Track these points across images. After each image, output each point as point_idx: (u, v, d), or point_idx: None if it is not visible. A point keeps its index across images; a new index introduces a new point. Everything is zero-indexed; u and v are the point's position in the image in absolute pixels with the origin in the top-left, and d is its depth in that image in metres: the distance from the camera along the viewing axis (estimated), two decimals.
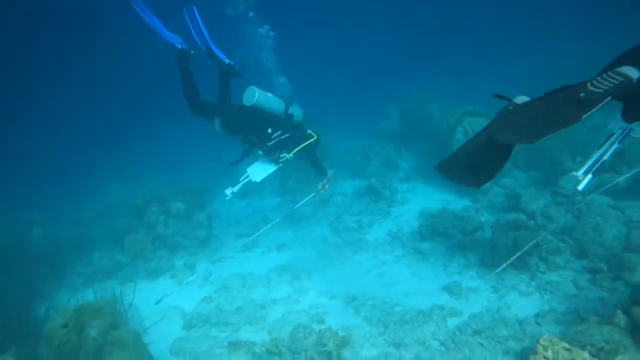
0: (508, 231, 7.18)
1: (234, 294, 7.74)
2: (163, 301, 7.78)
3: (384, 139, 14.67)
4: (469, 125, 11.22)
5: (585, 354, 3.36)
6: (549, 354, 3.32)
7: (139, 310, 7.63)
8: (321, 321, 6.55)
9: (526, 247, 6.36)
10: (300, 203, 7.75)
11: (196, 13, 6.01)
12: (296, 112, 6.67)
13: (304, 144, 6.63)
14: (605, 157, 3.25)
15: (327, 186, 7.32)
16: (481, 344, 5.49)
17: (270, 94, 6.35)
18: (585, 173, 3.24)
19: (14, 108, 28.69)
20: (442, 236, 8.41)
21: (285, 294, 7.56)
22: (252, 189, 13.91)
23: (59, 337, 4.88)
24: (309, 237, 9.85)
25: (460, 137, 11.12)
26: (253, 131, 6.52)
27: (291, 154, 6.58)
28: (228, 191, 6.56)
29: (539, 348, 3.40)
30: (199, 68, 6.37)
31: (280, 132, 6.50)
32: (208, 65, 6.45)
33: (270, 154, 6.61)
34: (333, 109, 18.91)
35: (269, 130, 6.45)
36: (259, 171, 6.66)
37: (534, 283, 6.70)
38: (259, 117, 6.37)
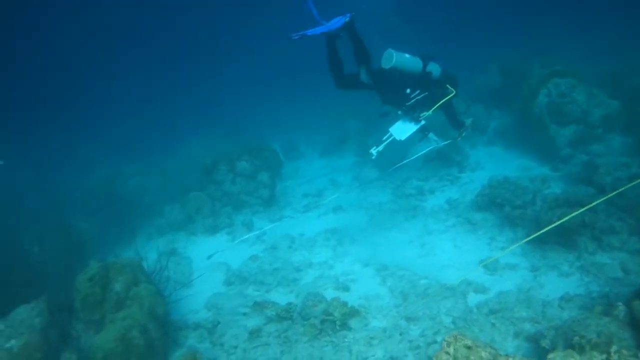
0: (556, 208, 6.62)
1: (279, 254, 8.01)
2: (214, 256, 8.24)
3: (480, 96, 13.68)
4: (555, 88, 10.22)
5: (483, 353, 3.11)
6: (451, 350, 3.12)
7: (192, 263, 8.22)
8: (346, 289, 6.64)
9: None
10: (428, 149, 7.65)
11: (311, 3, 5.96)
12: (434, 69, 6.60)
13: (441, 101, 6.56)
14: None
15: (464, 134, 7.29)
16: (493, 324, 5.26)
17: (407, 55, 6.34)
18: None
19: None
20: (498, 207, 7.92)
21: (323, 258, 7.71)
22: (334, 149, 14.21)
23: (85, 289, 5.46)
24: (368, 200, 9.81)
25: (543, 100, 10.21)
26: (392, 92, 6.57)
27: (430, 112, 6.56)
28: (373, 150, 6.63)
29: (444, 344, 3.21)
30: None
31: (418, 91, 6.50)
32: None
33: (409, 114, 6.63)
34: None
35: (407, 91, 6.47)
36: (402, 130, 6.68)
37: (577, 263, 6.22)
38: (398, 79, 6.39)
